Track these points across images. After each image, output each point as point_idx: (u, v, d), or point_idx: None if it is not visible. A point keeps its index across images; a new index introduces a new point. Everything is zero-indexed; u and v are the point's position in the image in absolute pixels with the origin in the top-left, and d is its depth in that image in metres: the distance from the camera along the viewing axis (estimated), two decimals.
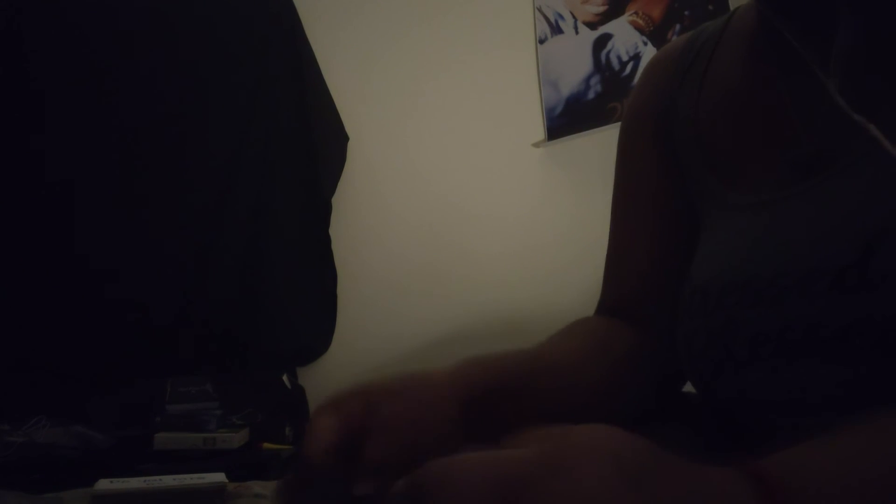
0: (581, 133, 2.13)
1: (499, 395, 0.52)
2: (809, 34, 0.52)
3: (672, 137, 0.65)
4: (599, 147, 2.00)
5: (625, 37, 2.09)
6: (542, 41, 2.24)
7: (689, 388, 0.63)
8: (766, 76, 0.58)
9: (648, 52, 2.03)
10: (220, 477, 1.25)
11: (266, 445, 1.92)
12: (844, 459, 0.31)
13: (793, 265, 0.48)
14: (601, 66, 2.13)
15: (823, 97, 0.50)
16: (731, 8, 0.68)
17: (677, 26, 1.99)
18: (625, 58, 2.08)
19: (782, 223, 0.51)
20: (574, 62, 2.17)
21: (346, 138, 2.37)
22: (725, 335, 0.52)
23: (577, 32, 2.18)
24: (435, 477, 0.27)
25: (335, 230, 2.34)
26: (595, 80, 2.14)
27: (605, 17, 2.13)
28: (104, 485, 1.15)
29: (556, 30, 2.22)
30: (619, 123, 0.74)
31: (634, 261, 0.67)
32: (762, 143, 0.57)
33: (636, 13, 2.07)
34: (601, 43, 2.13)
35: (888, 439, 0.32)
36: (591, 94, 2.14)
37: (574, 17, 2.19)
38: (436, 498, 0.27)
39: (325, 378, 2.27)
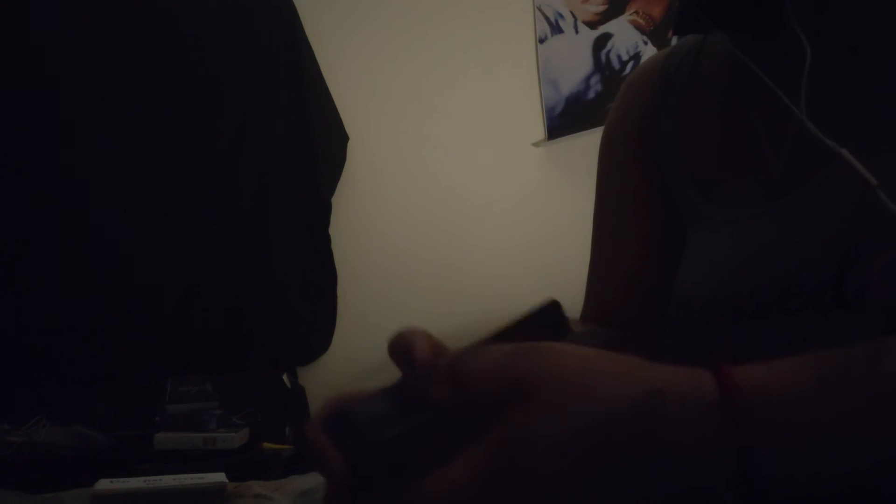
0: (581, 132, 2.13)
1: None
2: (777, 68, 0.53)
3: (656, 151, 0.66)
4: (599, 146, 2.00)
5: (625, 36, 2.09)
6: (542, 41, 2.24)
7: None
8: (741, 97, 0.59)
9: (649, 52, 2.03)
10: (220, 477, 1.25)
11: (266, 445, 1.92)
12: (805, 372, 0.33)
13: (771, 281, 0.49)
14: (601, 65, 2.12)
15: (791, 121, 0.51)
16: None
17: None
18: (625, 57, 2.08)
19: (761, 238, 0.52)
20: (574, 62, 2.17)
21: (345, 138, 2.37)
22: (710, 351, 0.52)
23: (577, 32, 2.18)
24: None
25: (335, 230, 2.34)
26: (595, 79, 2.13)
27: (606, 17, 2.12)
28: (104, 485, 1.15)
29: (557, 29, 2.22)
30: None
31: (618, 277, 0.68)
32: (740, 162, 0.58)
33: (636, 12, 2.07)
34: (601, 42, 2.13)
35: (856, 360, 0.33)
36: (591, 94, 2.14)
37: (574, 16, 2.18)
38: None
39: (326, 378, 2.27)
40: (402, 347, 0.41)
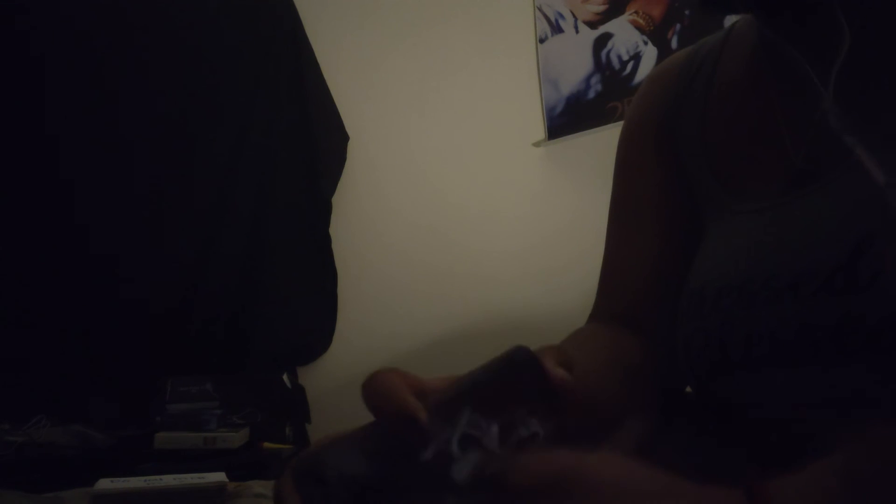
0: (581, 132, 2.12)
1: None
2: (807, 54, 0.53)
3: (677, 147, 0.66)
4: (599, 146, 2.00)
5: (625, 36, 2.08)
6: (542, 40, 2.24)
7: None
8: (764, 92, 0.59)
9: (649, 52, 2.03)
10: (220, 477, 1.25)
11: (266, 445, 1.92)
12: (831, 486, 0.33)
13: (785, 268, 0.49)
14: (601, 65, 2.12)
15: (813, 114, 0.51)
16: None
17: (677, 26, 1.99)
18: (625, 57, 2.08)
19: (776, 227, 0.52)
20: (574, 61, 2.17)
21: (345, 138, 2.37)
22: (721, 336, 0.53)
23: (577, 32, 2.17)
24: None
25: (335, 230, 2.34)
26: (595, 79, 2.13)
27: (606, 17, 2.12)
28: (104, 484, 1.15)
29: (557, 29, 2.22)
30: (619, 123, 0.74)
31: (635, 271, 0.68)
32: (761, 154, 0.58)
33: (636, 12, 2.07)
34: (601, 42, 2.13)
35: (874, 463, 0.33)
36: (591, 94, 2.14)
37: (574, 16, 2.18)
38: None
39: (326, 378, 2.27)
40: (378, 393, 0.39)
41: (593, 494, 0.31)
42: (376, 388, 0.39)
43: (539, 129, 2.24)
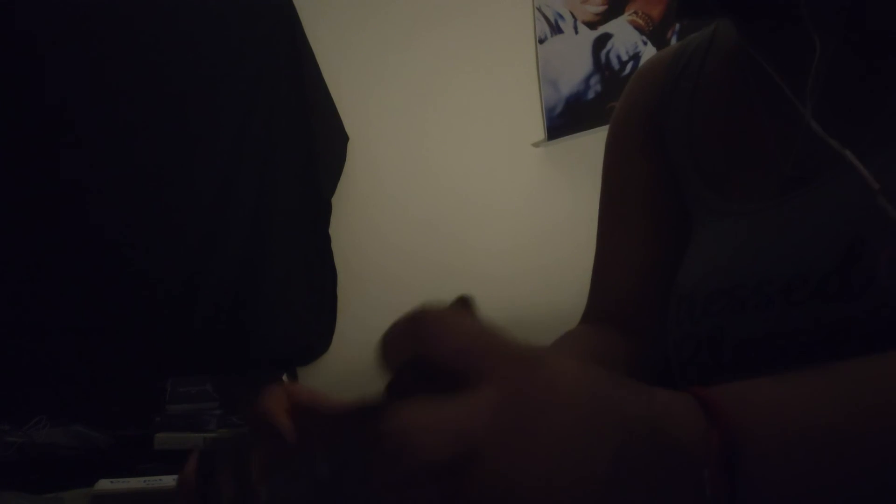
0: (581, 133, 2.13)
1: None
2: (785, 62, 0.53)
3: (664, 145, 0.66)
4: (599, 147, 1.99)
5: (624, 36, 2.08)
6: (541, 41, 2.24)
7: None
8: (749, 94, 0.58)
9: (648, 52, 2.03)
10: None
11: None
12: (793, 396, 0.32)
13: (777, 272, 0.49)
14: (601, 65, 2.12)
15: (799, 118, 0.51)
16: None
17: (677, 26, 1.99)
18: (624, 57, 2.08)
19: (767, 231, 0.52)
20: (574, 62, 2.17)
21: (345, 138, 2.37)
22: (712, 342, 0.52)
23: (576, 32, 2.17)
24: (394, 436, 0.27)
25: (335, 230, 2.34)
26: (595, 79, 2.13)
27: (605, 17, 2.12)
28: (104, 485, 1.15)
29: (556, 29, 2.22)
30: None
31: (625, 269, 0.68)
32: (748, 158, 0.58)
33: (636, 13, 2.07)
34: (601, 42, 2.13)
35: (848, 382, 0.33)
36: (590, 94, 2.14)
37: (574, 16, 2.18)
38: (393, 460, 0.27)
39: (326, 378, 2.27)
40: (257, 409, 0.40)
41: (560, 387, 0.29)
42: (258, 404, 0.41)
43: (538, 130, 2.24)
